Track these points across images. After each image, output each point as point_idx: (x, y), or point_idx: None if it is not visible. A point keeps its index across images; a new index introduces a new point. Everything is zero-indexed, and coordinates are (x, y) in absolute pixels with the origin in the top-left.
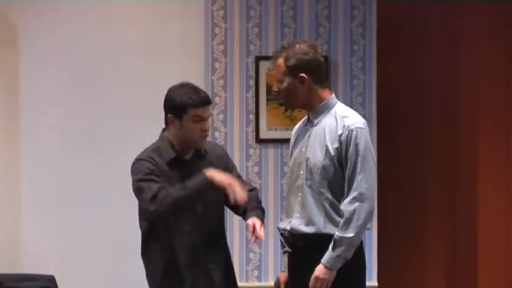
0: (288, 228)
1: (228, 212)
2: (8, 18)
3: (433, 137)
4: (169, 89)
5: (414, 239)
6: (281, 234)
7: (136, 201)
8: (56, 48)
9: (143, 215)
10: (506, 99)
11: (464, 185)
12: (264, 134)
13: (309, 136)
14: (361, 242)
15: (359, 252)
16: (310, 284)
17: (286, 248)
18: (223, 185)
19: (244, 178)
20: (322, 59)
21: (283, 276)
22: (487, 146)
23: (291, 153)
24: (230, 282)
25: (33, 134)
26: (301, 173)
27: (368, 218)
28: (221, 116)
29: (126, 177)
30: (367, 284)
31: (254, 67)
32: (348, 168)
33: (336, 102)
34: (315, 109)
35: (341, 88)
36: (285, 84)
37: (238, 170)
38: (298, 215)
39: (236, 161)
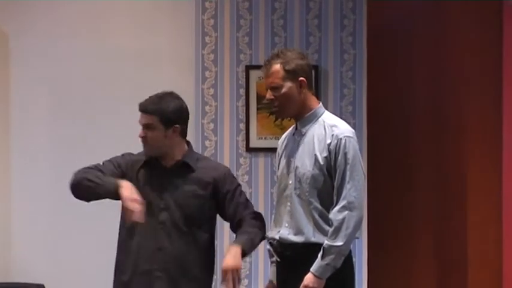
0: (277, 237)
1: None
2: None
3: (424, 145)
4: (180, 100)
5: (404, 247)
6: (270, 243)
7: None
8: (47, 55)
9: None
10: (496, 103)
11: (454, 191)
12: (254, 143)
13: (298, 145)
14: (350, 251)
15: (348, 261)
16: None
17: (275, 258)
18: (122, 200)
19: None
20: (311, 64)
21: (270, 286)
22: (477, 153)
23: (279, 163)
24: None
25: (24, 142)
26: (290, 182)
27: (357, 226)
28: (211, 125)
29: None
30: None
31: (244, 76)
32: (336, 177)
33: (324, 111)
34: (303, 118)
35: (331, 97)
36: (283, 90)
37: None
38: (287, 225)
39: None
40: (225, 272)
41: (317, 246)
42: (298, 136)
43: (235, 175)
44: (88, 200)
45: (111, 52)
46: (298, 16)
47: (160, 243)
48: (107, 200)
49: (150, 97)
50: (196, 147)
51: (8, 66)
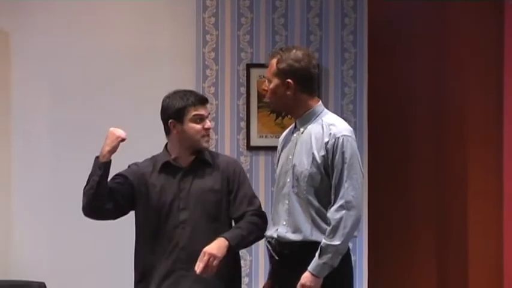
0: (275, 235)
1: None
2: None
3: (424, 144)
4: (164, 98)
5: (405, 245)
6: (268, 242)
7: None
8: (47, 53)
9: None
10: (497, 103)
11: (454, 189)
12: (254, 141)
13: (296, 144)
14: (348, 249)
15: (346, 260)
16: None
17: (274, 256)
18: (115, 138)
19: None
20: (314, 70)
21: (268, 284)
22: (477, 151)
23: (278, 161)
24: None
25: (25, 141)
26: (288, 180)
27: (355, 226)
28: (212, 124)
29: None
30: None
31: (245, 74)
32: (334, 176)
33: (323, 110)
34: (301, 116)
35: (332, 96)
36: (272, 85)
37: None
38: (285, 223)
39: None
40: (203, 254)
41: (315, 244)
42: (296, 134)
43: None
44: (105, 207)
45: (111, 50)
46: (299, 15)
47: (183, 242)
48: None
49: (193, 91)
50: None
51: (9, 64)
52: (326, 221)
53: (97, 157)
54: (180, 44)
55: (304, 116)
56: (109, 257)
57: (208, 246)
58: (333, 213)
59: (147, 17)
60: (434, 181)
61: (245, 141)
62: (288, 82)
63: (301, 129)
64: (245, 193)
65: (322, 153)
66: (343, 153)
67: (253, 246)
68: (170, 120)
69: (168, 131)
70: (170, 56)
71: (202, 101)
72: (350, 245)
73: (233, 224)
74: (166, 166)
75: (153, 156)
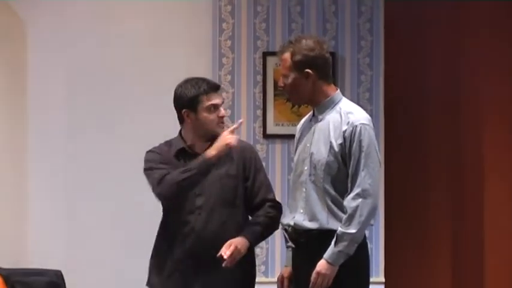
0: (292, 223)
1: None
2: (15, 13)
3: (440, 132)
4: (176, 87)
5: (421, 234)
6: (285, 229)
7: (146, 195)
8: (63, 40)
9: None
10: None
11: (470, 179)
12: (271, 129)
13: (314, 132)
14: (365, 238)
15: (362, 248)
16: (312, 279)
17: (290, 243)
18: (224, 144)
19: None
20: (328, 55)
21: (287, 270)
22: (493, 140)
23: (296, 149)
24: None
25: (41, 129)
26: (305, 168)
27: (371, 214)
28: (228, 112)
29: (133, 171)
30: (375, 279)
31: (261, 63)
32: (351, 164)
33: (341, 98)
34: (319, 105)
35: (348, 84)
36: (290, 80)
37: None
38: (301, 211)
39: None
40: (229, 243)
41: (331, 232)
42: (314, 122)
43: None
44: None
45: (128, 38)
46: (315, 2)
47: (198, 227)
48: (124, 186)
49: (206, 78)
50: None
51: (26, 52)
52: (342, 209)
53: (203, 154)
54: (196, 32)
55: (322, 104)
56: (125, 245)
57: (234, 239)
58: (349, 202)
59: (163, 6)
60: (450, 169)
61: (261, 129)
62: (307, 72)
63: (319, 117)
64: (262, 180)
65: (340, 141)
66: (360, 141)
67: None
68: (184, 110)
69: (181, 120)
70: (186, 45)
71: (215, 88)
72: (366, 233)
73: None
74: (182, 153)
75: (167, 142)
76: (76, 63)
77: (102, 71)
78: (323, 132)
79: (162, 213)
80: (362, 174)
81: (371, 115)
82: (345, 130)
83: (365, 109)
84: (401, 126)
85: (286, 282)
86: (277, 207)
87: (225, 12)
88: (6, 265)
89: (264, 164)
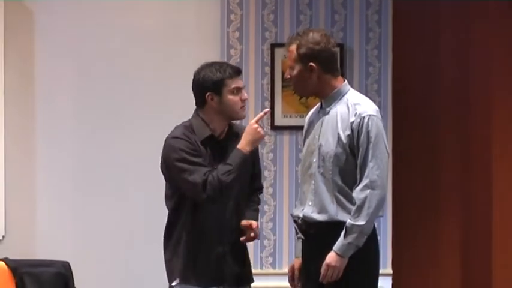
0: (301, 215)
1: None
2: (23, 4)
3: (448, 124)
4: (198, 71)
5: (429, 226)
6: (294, 221)
7: (153, 186)
8: (71, 32)
9: (172, 194)
10: None
11: (480, 170)
12: (279, 121)
13: (322, 123)
14: (374, 229)
15: (372, 240)
16: (322, 271)
17: (300, 234)
18: (258, 139)
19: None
20: (334, 49)
21: (297, 261)
22: (503, 131)
23: (304, 141)
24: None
25: (50, 121)
26: (314, 160)
27: (380, 205)
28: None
29: (142, 163)
30: (382, 271)
31: (269, 54)
32: (359, 155)
33: (349, 90)
34: (327, 96)
35: (356, 75)
36: (295, 72)
37: None
38: (310, 203)
39: None
40: (251, 228)
41: (341, 224)
42: (322, 114)
43: (260, 153)
44: None
45: (136, 29)
46: None
47: (228, 215)
48: (132, 179)
49: (227, 62)
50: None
51: (33, 42)
52: (351, 201)
53: (239, 150)
54: (204, 23)
55: (329, 96)
56: (133, 237)
57: (253, 222)
58: (357, 193)
59: None
60: (460, 160)
61: (269, 120)
62: (311, 66)
63: (327, 109)
64: (259, 166)
65: (348, 132)
66: (368, 132)
67: (277, 226)
68: (208, 93)
69: (203, 103)
70: (195, 36)
71: (239, 72)
72: (375, 224)
73: None
74: (207, 139)
75: (186, 126)
76: (84, 54)
77: (110, 62)
78: (331, 124)
79: (171, 208)
80: (370, 165)
81: (379, 107)
82: (353, 121)
83: (373, 101)
84: (409, 118)
85: (296, 273)
86: (260, 199)
87: (233, 3)
88: (14, 256)
89: (271, 155)
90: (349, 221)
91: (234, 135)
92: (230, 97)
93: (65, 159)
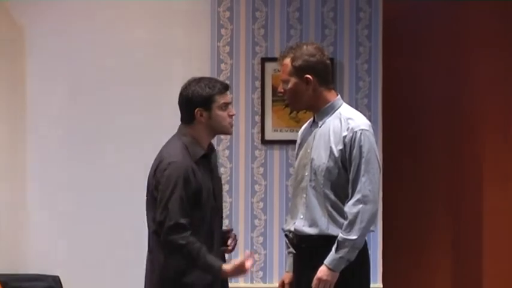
0: (292, 229)
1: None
2: (14, 18)
3: (438, 138)
4: (185, 86)
5: (419, 239)
6: (285, 235)
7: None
8: (62, 47)
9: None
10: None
11: (469, 185)
12: (269, 135)
13: (314, 137)
14: (365, 243)
15: (363, 254)
16: (313, 285)
17: (291, 249)
18: (240, 274)
19: (249, 180)
20: (328, 61)
21: (288, 276)
22: (492, 146)
23: (297, 155)
24: None
25: (40, 134)
26: (306, 174)
27: (372, 220)
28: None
29: (131, 177)
30: (372, 285)
31: (260, 68)
32: (351, 170)
33: (341, 104)
34: (320, 110)
35: (347, 90)
36: (290, 85)
37: (243, 171)
38: (302, 216)
39: (241, 162)
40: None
41: (332, 238)
42: (314, 128)
43: (250, 167)
44: None
45: (127, 44)
46: (313, 8)
47: (219, 227)
48: (122, 192)
49: (214, 78)
50: (212, 140)
51: (24, 58)
52: (343, 215)
53: (221, 268)
54: (195, 38)
55: (322, 110)
56: (122, 251)
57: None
58: (350, 208)
59: (162, 11)
60: (449, 175)
61: (260, 135)
62: (307, 78)
63: (320, 123)
64: None
65: (340, 147)
66: (360, 147)
67: (267, 240)
68: (197, 109)
69: (191, 119)
70: (185, 50)
71: (227, 87)
72: (366, 238)
73: None
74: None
75: (182, 146)
76: (75, 70)
77: (101, 78)
78: (323, 138)
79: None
80: (362, 180)
81: (369, 121)
82: (345, 136)
83: (363, 115)
84: (399, 132)
85: None
86: None
87: (224, 18)
88: (5, 271)
89: (262, 170)
90: (341, 235)
91: (212, 147)
92: (219, 112)
93: (55, 172)
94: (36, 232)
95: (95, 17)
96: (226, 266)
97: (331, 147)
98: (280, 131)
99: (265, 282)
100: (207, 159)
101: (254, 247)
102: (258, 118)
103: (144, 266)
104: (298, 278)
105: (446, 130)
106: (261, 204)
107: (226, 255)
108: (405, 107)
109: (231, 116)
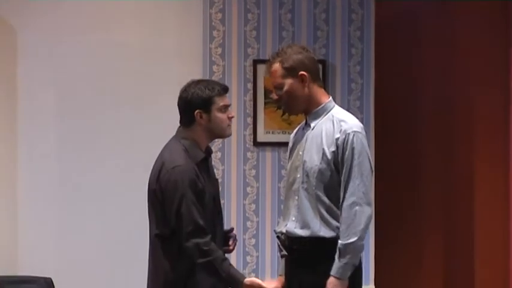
0: (284, 231)
1: (226, 215)
2: (6, 21)
3: (431, 141)
4: (184, 89)
5: (411, 242)
6: (277, 237)
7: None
8: (54, 50)
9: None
10: (503, 100)
11: (461, 187)
12: (261, 137)
13: (306, 140)
14: None
15: None
16: None
17: (284, 252)
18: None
19: (241, 182)
20: (315, 57)
21: (280, 280)
22: (485, 148)
23: (289, 157)
24: None
25: (31, 137)
26: (298, 176)
27: (368, 222)
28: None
29: (124, 180)
30: (365, 287)
31: (252, 70)
32: (344, 172)
33: (334, 106)
34: (312, 112)
35: (339, 92)
36: (286, 88)
37: (235, 173)
38: (293, 218)
39: (233, 164)
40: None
41: (323, 240)
42: (307, 130)
43: (242, 169)
44: None
45: (118, 46)
46: (305, 10)
47: (222, 229)
48: (114, 195)
49: (213, 80)
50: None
51: (16, 60)
52: (335, 217)
53: (242, 281)
54: (186, 39)
55: (315, 112)
56: (115, 253)
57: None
58: (346, 211)
59: (154, 14)
60: (441, 178)
61: (252, 137)
62: (302, 74)
63: (312, 125)
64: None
65: (333, 149)
66: (353, 149)
67: (260, 242)
68: (197, 111)
69: (191, 122)
70: (177, 52)
71: (226, 90)
72: None
73: None
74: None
75: (184, 149)
76: (66, 73)
77: (92, 80)
78: (315, 140)
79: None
80: (356, 182)
81: (362, 123)
82: (338, 138)
83: (355, 117)
84: (392, 135)
85: None
86: None
87: (216, 19)
88: None
89: (254, 172)
90: (340, 241)
91: (210, 150)
92: (218, 115)
93: (47, 175)
94: (28, 234)
95: (87, 19)
96: (247, 282)
97: (323, 149)
98: (272, 133)
99: None
100: (206, 162)
101: (246, 249)
102: (250, 120)
103: (137, 268)
104: (290, 280)
105: (439, 132)
106: (253, 206)
107: (227, 255)
108: (398, 109)
109: (230, 119)
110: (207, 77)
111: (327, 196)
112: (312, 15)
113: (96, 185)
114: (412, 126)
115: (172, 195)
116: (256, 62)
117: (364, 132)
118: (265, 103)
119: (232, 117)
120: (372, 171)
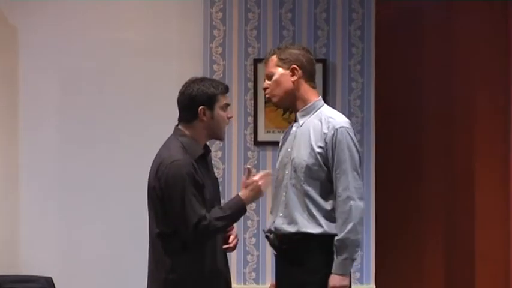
0: (272, 228)
1: None
2: (6, 20)
3: (432, 139)
4: (188, 85)
5: (412, 241)
6: (266, 236)
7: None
8: (56, 49)
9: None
10: (505, 100)
11: (462, 186)
12: (262, 136)
13: (295, 137)
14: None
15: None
16: None
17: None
18: (259, 196)
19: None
20: (314, 60)
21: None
22: (485, 148)
23: (278, 155)
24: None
25: (33, 136)
26: (287, 172)
27: (362, 216)
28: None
29: (125, 178)
30: (365, 286)
31: (252, 70)
32: (334, 168)
33: (323, 105)
34: (300, 110)
35: (339, 91)
36: (275, 76)
37: (236, 172)
38: (281, 214)
39: (234, 164)
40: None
41: (311, 237)
42: (296, 128)
43: (243, 169)
44: None
45: (120, 46)
46: (306, 9)
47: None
48: (116, 194)
49: (216, 79)
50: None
51: (17, 60)
52: (322, 212)
53: (241, 200)
54: (187, 39)
55: (304, 109)
56: (115, 253)
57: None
58: (340, 206)
59: (155, 12)
60: (442, 177)
61: (252, 136)
62: (294, 67)
63: (301, 122)
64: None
65: (321, 144)
66: (343, 144)
67: (260, 241)
68: (201, 107)
69: (193, 118)
70: (178, 51)
71: (228, 89)
72: None
73: None
74: (199, 157)
75: (181, 146)
76: (67, 71)
77: (93, 78)
78: (304, 137)
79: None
80: (349, 176)
81: (362, 122)
82: (326, 133)
83: (356, 116)
84: (392, 134)
85: None
86: None
87: (216, 19)
88: None
89: (254, 171)
90: (336, 238)
91: (208, 148)
92: (220, 113)
93: (48, 174)
94: (29, 233)
95: (88, 17)
96: (242, 194)
97: (311, 145)
98: (273, 132)
99: (258, 283)
100: (204, 160)
101: (247, 248)
102: (250, 119)
103: (137, 267)
104: (280, 279)
105: (439, 131)
106: (254, 205)
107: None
108: (398, 108)
109: (229, 119)
110: (208, 76)
111: (315, 191)
112: (312, 15)
113: (98, 184)
114: (413, 124)
115: (172, 190)
116: (256, 61)
117: (351, 128)
118: (265, 102)
119: (231, 117)
120: (360, 163)
